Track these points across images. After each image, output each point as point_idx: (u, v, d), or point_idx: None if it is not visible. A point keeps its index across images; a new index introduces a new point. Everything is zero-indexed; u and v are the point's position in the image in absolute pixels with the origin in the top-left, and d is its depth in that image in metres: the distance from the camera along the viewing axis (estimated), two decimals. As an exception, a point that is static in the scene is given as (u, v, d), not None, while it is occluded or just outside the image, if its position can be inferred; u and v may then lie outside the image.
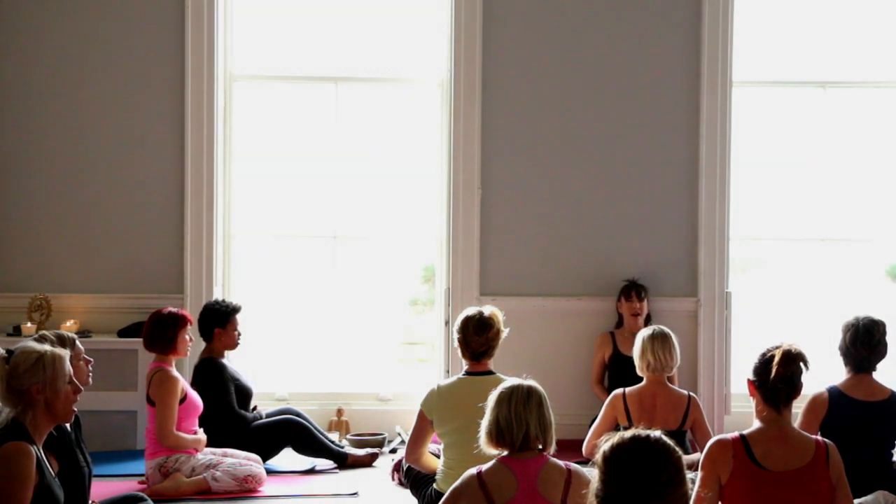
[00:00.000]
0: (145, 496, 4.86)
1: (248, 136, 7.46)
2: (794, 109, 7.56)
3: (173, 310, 5.97)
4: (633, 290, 6.99)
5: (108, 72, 7.10)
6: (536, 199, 7.20)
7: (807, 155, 7.54)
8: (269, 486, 5.82)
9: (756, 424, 3.76)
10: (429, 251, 7.59)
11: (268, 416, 6.44)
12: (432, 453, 5.03)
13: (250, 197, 7.50)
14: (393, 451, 6.75)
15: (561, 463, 3.71)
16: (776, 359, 3.74)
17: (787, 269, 7.68)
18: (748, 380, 3.83)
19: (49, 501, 3.77)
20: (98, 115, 7.10)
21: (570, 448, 5.12)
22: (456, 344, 4.96)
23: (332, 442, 6.51)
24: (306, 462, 6.33)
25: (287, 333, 7.57)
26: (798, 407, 4.46)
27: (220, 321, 6.34)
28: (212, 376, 6.24)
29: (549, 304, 7.15)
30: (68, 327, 6.62)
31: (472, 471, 3.68)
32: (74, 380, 3.90)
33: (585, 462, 4.42)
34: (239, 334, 6.41)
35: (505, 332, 4.95)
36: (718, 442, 3.71)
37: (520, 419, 3.67)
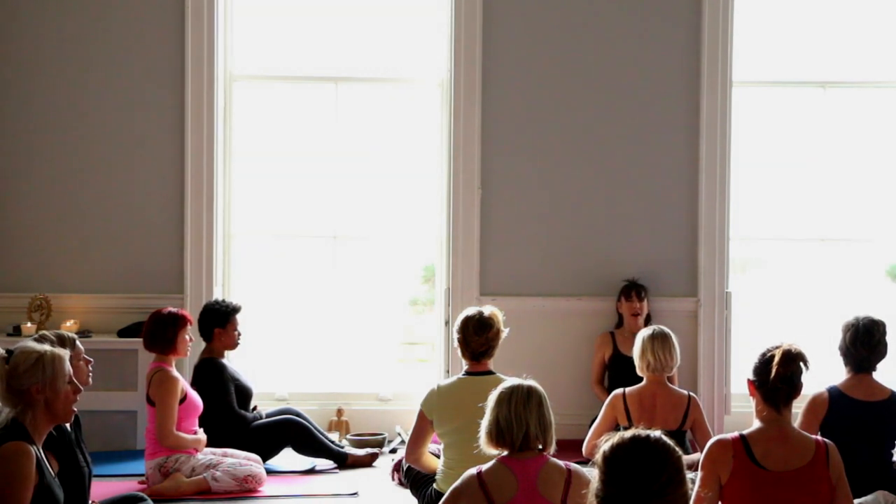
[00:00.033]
0: (145, 496, 4.86)
1: (248, 136, 7.46)
2: (794, 109, 7.56)
3: (173, 310, 5.97)
4: (633, 290, 6.99)
5: (108, 72, 7.10)
6: (536, 199, 7.20)
7: (807, 155, 7.54)
8: (269, 486, 5.82)
9: (756, 424, 3.76)
10: (429, 251, 7.59)
11: (268, 416, 6.44)
12: (432, 453, 5.03)
13: (250, 197, 7.50)
14: (393, 451, 6.75)
15: (561, 463, 3.71)
16: (776, 359, 3.74)
17: (787, 269, 7.68)
18: (748, 380, 3.83)
19: (49, 501, 3.77)
20: (98, 115, 7.10)
21: (570, 448, 5.12)
22: (456, 344, 4.96)
23: (332, 442, 6.51)
24: (306, 462, 6.33)
25: (287, 333, 7.57)
26: (798, 407, 4.46)
27: (220, 321, 6.34)
28: (212, 376, 6.24)
29: (549, 304, 7.15)
30: (68, 327, 6.62)
31: (472, 471, 3.68)
32: (74, 380, 3.90)
33: (585, 462, 4.42)
34: (239, 334, 6.41)
35: (505, 332, 4.95)
36: (718, 442, 3.71)
37: (520, 419, 3.67)
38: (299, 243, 7.68)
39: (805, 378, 3.81)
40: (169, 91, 7.09)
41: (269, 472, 6.04)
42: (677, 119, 7.22)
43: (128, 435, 6.78)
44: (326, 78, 7.44)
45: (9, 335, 6.64)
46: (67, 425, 4.26)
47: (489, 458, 3.73)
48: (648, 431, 2.65)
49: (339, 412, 7.14)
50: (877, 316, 5.12)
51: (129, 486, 5.68)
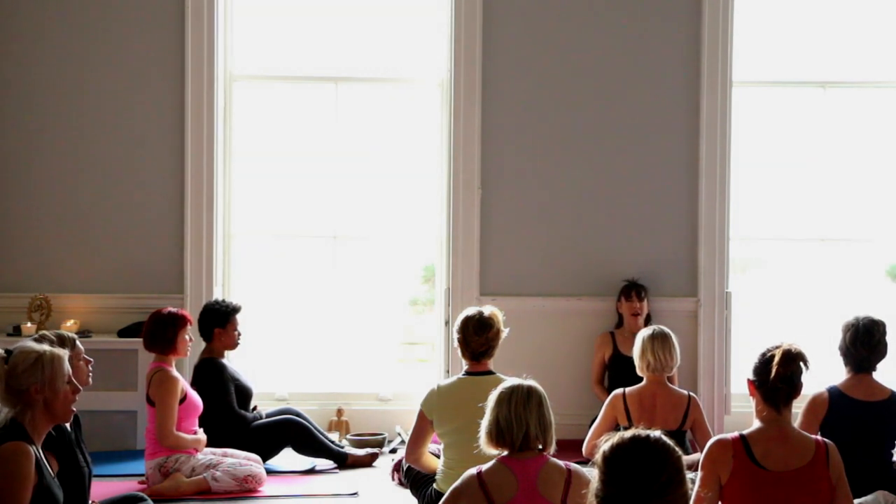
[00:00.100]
0: (145, 496, 4.86)
1: (248, 136, 7.46)
2: (794, 109, 7.56)
3: (173, 310, 5.97)
4: (633, 290, 6.99)
5: (108, 72, 7.10)
6: (536, 199, 7.20)
7: (807, 155, 7.54)
8: (269, 486, 5.82)
9: (756, 424, 3.76)
10: (429, 251, 7.59)
11: (268, 416, 6.44)
12: (432, 453, 5.03)
13: (250, 197, 7.50)
14: (393, 451, 6.75)
15: (561, 463, 3.71)
16: (776, 359, 3.74)
17: (787, 269, 7.68)
18: (748, 380, 3.83)
19: (48, 501, 3.77)
20: (98, 115, 7.10)
21: (570, 448, 5.12)
22: (456, 344, 4.96)
23: (332, 442, 6.51)
24: (306, 462, 6.33)
25: (287, 333, 7.57)
26: (798, 407, 4.46)
27: (220, 321, 6.34)
28: (212, 376, 6.24)
29: (549, 304, 7.15)
30: (68, 327, 6.62)
31: (472, 471, 3.68)
32: (73, 380, 3.89)
33: (585, 462, 4.42)
34: (239, 334, 6.41)
35: (505, 332, 4.95)
36: (718, 442, 3.71)
37: (520, 419, 3.67)
38: (299, 243, 7.68)
39: (805, 378, 3.81)
40: (169, 91, 7.09)
41: (269, 472, 6.04)
42: (677, 119, 7.22)
43: (128, 435, 6.78)
44: (326, 78, 7.44)
45: (9, 335, 6.64)
46: (67, 425, 4.26)
47: (489, 458, 3.73)
48: (648, 431, 2.65)
49: (339, 412, 7.14)
50: (877, 316, 5.12)
51: (129, 486, 5.68)
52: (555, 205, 7.20)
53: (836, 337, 5.11)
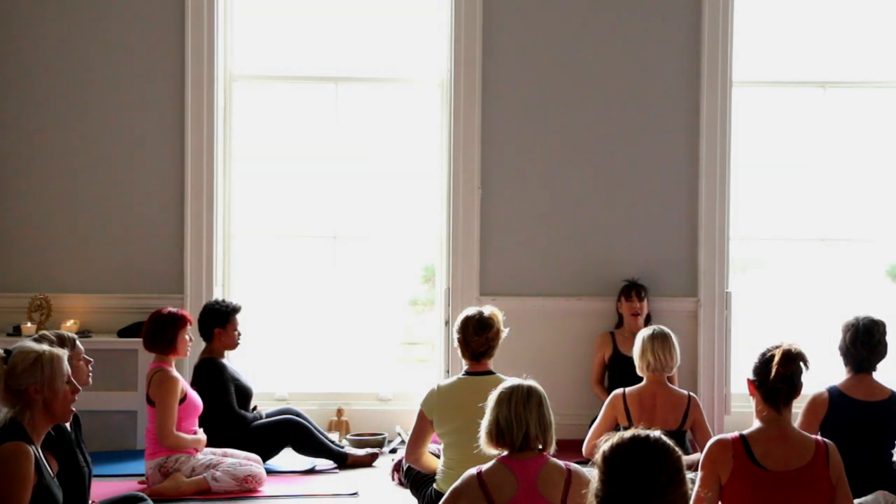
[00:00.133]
0: (145, 496, 4.86)
1: (248, 136, 7.45)
2: (794, 109, 7.56)
3: (173, 310, 5.97)
4: (633, 290, 6.99)
5: (108, 72, 7.10)
6: (536, 199, 7.20)
7: (807, 155, 7.54)
8: (269, 486, 5.82)
9: (756, 424, 3.76)
10: (429, 251, 7.59)
11: (268, 416, 6.44)
12: (432, 453, 5.03)
13: (250, 197, 7.49)
14: (393, 451, 6.75)
15: (561, 463, 3.71)
16: (776, 358, 3.74)
17: (787, 269, 7.68)
18: (748, 379, 3.83)
19: (48, 501, 3.77)
20: (98, 115, 7.10)
21: (570, 448, 5.12)
22: (456, 344, 4.96)
23: (332, 442, 6.51)
24: (306, 462, 6.33)
25: (287, 333, 7.57)
26: (798, 407, 4.46)
27: (220, 321, 6.34)
28: (212, 376, 6.24)
29: (549, 304, 7.15)
30: (68, 327, 6.62)
31: (472, 471, 3.68)
32: (72, 379, 3.89)
33: (585, 462, 4.42)
34: (239, 334, 6.41)
35: (505, 332, 4.95)
36: (718, 442, 3.71)
37: (520, 419, 3.67)
38: (299, 243, 7.68)
39: (805, 378, 3.81)
40: (169, 91, 7.09)
41: (269, 472, 6.04)
42: (677, 119, 7.22)
43: (128, 435, 6.78)
44: (326, 78, 7.44)
45: (9, 335, 6.65)
46: (67, 425, 4.26)
47: (489, 458, 3.73)
48: (648, 431, 2.65)
49: (339, 412, 7.14)
50: (877, 316, 5.12)
51: (129, 486, 5.68)
52: (555, 205, 7.20)
53: (836, 337, 5.11)
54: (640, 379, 5.51)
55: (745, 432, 3.73)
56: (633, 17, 7.19)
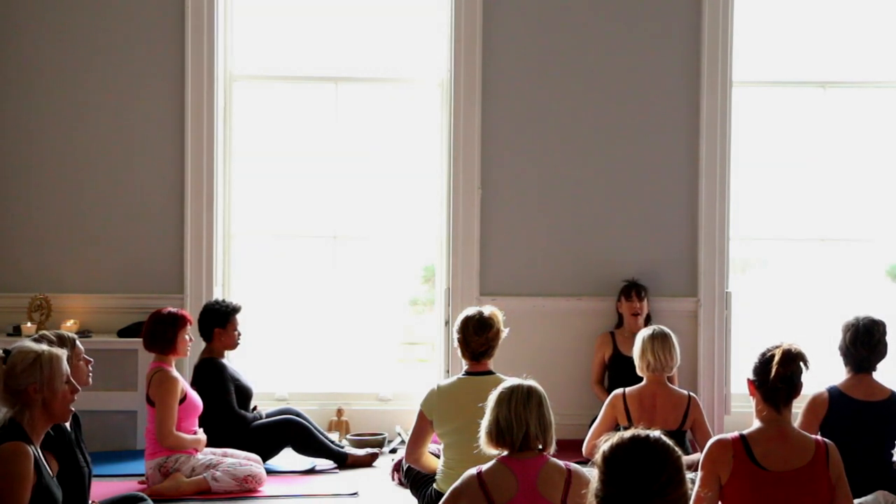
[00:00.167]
0: (145, 496, 4.86)
1: (248, 136, 7.46)
2: (794, 109, 7.56)
3: (173, 310, 5.97)
4: (633, 290, 6.99)
5: (108, 72, 7.10)
6: (536, 199, 7.20)
7: (807, 155, 7.54)
8: (269, 486, 5.82)
9: (756, 424, 3.75)
10: (429, 251, 7.59)
11: (268, 416, 6.44)
12: (432, 453, 5.03)
13: (250, 197, 7.50)
14: (393, 451, 6.75)
15: (561, 463, 3.71)
16: (776, 358, 3.74)
17: (787, 269, 7.68)
18: (748, 379, 3.83)
19: (48, 501, 3.77)
20: (98, 115, 7.10)
21: (570, 448, 5.12)
22: (456, 344, 4.96)
23: (332, 442, 6.51)
24: (306, 462, 6.33)
25: (287, 333, 7.57)
26: (798, 407, 4.46)
27: (220, 321, 6.34)
28: (212, 376, 6.24)
29: (549, 304, 7.15)
30: (68, 327, 6.62)
31: (472, 471, 3.68)
32: (71, 379, 3.89)
33: (585, 462, 4.42)
34: (239, 334, 6.41)
35: (505, 332, 4.94)
36: (718, 442, 3.71)
37: (520, 419, 3.67)
38: (299, 243, 7.68)
39: (805, 378, 3.81)
40: (169, 91, 7.09)
41: (269, 472, 6.04)
42: (677, 119, 7.22)
43: (128, 435, 6.78)
44: (326, 78, 7.44)
45: (9, 335, 6.64)
46: (67, 425, 4.26)
47: (489, 458, 3.73)
48: (648, 431, 2.65)
49: (339, 412, 7.14)
50: (877, 316, 5.12)
51: (129, 486, 5.68)
52: (555, 205, 7.20)
53: (836, 337, 5.11)
54: (640, 379, 5.51)
55: (745, 432, 3.72)
56: (634, 17, 7.19)
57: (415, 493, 5.13)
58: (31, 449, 3.71)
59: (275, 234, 7.60)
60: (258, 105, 7.51)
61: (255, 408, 6.48)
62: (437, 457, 4.98)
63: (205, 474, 5.69)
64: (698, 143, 7.17)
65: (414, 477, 5.11)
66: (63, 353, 3.89)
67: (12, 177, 7.09)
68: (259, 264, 7.61)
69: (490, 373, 4.86)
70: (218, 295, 6.98)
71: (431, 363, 7.54)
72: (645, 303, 6.98)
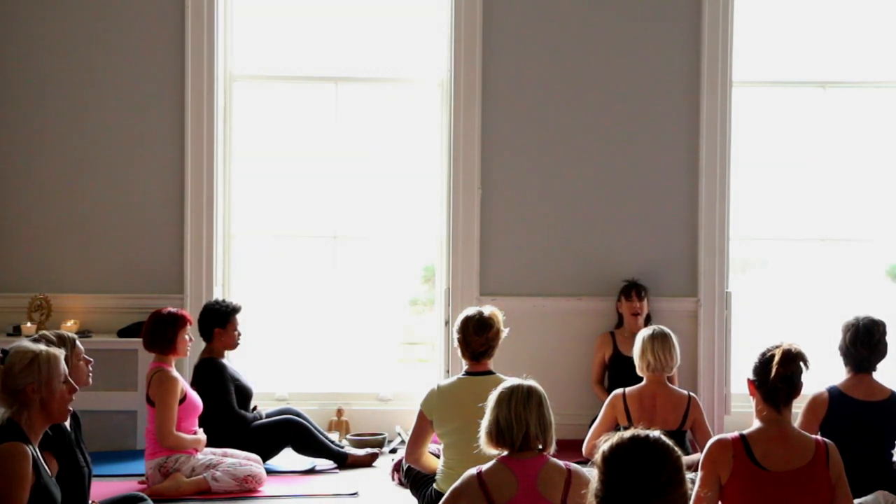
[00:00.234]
0: (145, 496, 4.86)
1: (248, 136, 7.46)
2: (794, 109, 7.56)
3: (173, 310, 5.97)
4: (633, 289, 6.99)
5: (107, 72, 7.10)
6: (536, 199, 7.20)
7: (807, 155, 7.54)
8: (269, 486, 5.82)
9: (756, 424, 3.75)
10: (429, 251, 7.59)
11: (268, 416, 6.44)
12: (432, 453, 5.03)
13: (250, 197, 7.50)
14: (393, 451, 6.75)
15: (561, 463, 3.71)
16: (776, 358, 3.74)
17: (787, 269, 7.68)
18: (748, 379, 3.83)
19: (46, 501, 3.77)
20: (98, 115, 7.10)
21: (570, 448, 5.12)
22: (456, 344, 4.96)
23: (332, 442, 6.51)
24: (306, 462, 6.33)
25: (287, 333, 7.57)
26: (798, 407, 4.46)
27: (220, 321, 6.34)
28: (212, 376, 6.24)
29: (549, 304, 7.15)
30: (68, 327, 6.62)
31: (472, 471, 3.68)
32: (70, 379, 3.89)
33: (585, 462, 4.42)
34: (239, 334, 6.40)
35: (505, 332, 4.94)
36: (718, 442, 3.71)
37: (520, 419, 3.67)
38: (299, 243, 7.68)
39: (805, 378, 3.81)
40: (169, 91, 7.09)
41: (269, 472, 6.04)
42: (677, 119, 7.22)
43: (128, 435, 6.78)
44: (326, 78, 7.44)
45: (9, 335, 6.64)
46: (67, 425, 4.26)
47: (489, 458, 3.73)
48: (648, 431, 2.65)
49: (339, 412, 7.13)
50: (877, 316, 5.12)
51: (129, 486, 5.68)
52: (555, 205, 7.20)
53: (836, 337, 5.11)
54: (640, 379, 5.50)
55: (745, 432, 3.73)
56: (633, 17, 7.19)
57: (415, 493, 5.13)
58: (29, 449, 3.71)
59: (275, 234, 7.60)
60: (258, 105, 7.51)
61: (255, 408, 6.48)
62: (437, 457, 4.98)
63: (205, 474, 5.69)
64: (698, 143, 7.17)
65: (414, 477, 5.11)
66: (61, 352, 3.89)
67: (12, 177, 7.09)
68: (259, 264, 7.61)
69: (490, 373, 4.86)
70: (218, 295, 6.98)
71: (431, 363, 7.54)
72: (645, 303, 6.98)
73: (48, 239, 7.09)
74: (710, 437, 4.67)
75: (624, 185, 7.21)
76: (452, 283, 7.14)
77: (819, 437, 3.82)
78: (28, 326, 6.68)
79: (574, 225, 7.20)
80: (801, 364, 3.77)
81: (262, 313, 7.46)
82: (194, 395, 5.93)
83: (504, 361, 5.25)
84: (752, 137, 7.45)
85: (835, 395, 4.99)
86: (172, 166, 7.11)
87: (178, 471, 5.70)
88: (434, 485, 4.79)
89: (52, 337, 4.40)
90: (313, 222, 7.56)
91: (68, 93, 7.09)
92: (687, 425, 5.43)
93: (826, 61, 7.49)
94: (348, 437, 6.87)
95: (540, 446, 3.71)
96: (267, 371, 7.34)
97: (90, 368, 4.69)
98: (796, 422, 4.62)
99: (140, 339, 6.08)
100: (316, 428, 6.44)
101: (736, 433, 3.73)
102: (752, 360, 3.83)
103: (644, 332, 5.53)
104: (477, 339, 4.85)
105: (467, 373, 4.89)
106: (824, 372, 4.83)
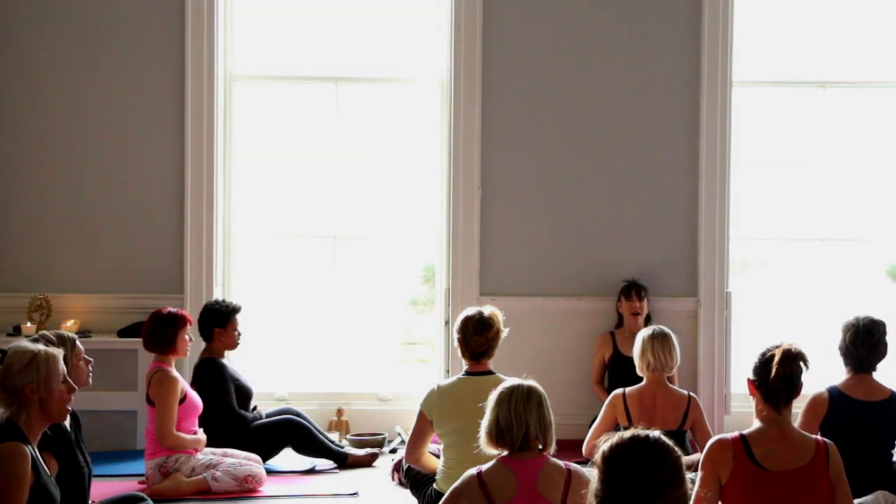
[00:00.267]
0: (145, 496, 4.86)
1: (248, 136, 7.46)
2: (794, 109, 7.56)
3: (173, 310, 5.97)
4: (633, 289, 6.99)
5: (108, 72, 7.10)
6: (536, 199, 7.20)
7: (807, 155, 7.54)
8: (269, 486, 5.82)
9: (756, 424, 3.75)
10: (429, 251, 7.59)
11: (268, 416, 6.44)
12: (432, 453, 5.03)
13: (250, 197, 7.50)
14: (393, 451, 6.75)
15: (561, 463, 3.71)
16: (776, 358, 3.74)
17: (787, 269, 7.68)
18: (748, 379, 3.83)
19: (46, 501, 3.77)
20: (98, 115, 7.11)
21: (570, 448, 5.12)
22: (456, 344, 4.96)
23: (332, 442, 6.51)
24: (306, 462, 6.33)
25: (287, 333, 7.57)
26: (798, 407, 4.46)
27: (220, 321, 6.34)
28: (212, 376, 6.24)
29: (549, 304, 7.15)
30: (68, 327, 6.62)
31: (472, 471, 3.68)
32: (68, 379, 3.89)
33: (585, 462, 4.42)
34: (239, 334, 6.40)
35: (505, 332, 4.94)
36: (718, 442, 3.71)
37: (520, 419, 3.67)
38: (299, 243, 7.68)
39: (805, 378, 3.81)
40: (169, 91, 7.09)
41: (269, 472, 6.04)
42: (677, 119, 7.22)
43: (128, 435, 6.78)
44: (326, 78, 7.44)
45: (9, 335, 6.64)
46: (67, 425, 4.26)
47: (489, 458, 3.73)
48: (648, 431, 2.65)
49: (339, 412, 7.13)
50: (877, 316, 5.12)
51: (129, 486, 5.68)
52: (555, 205, 7.20)
53: (836, 337, 5.11)
54: (640, 379, 5.50)
55: (745, 432, 3.72)
56: (633, 17, 7.19)
57: (415, 493, 5.13)
58: (28, 449, 3.71)
59: (275, 234, 7.60)
60: (258, 105, 7.51)
61: (255, 408, 6.48)
62: (437, 457, 4.98)
63: (205, 474, 5.69)
64: (698, 143, 7.17)
65: (414, 477, 5.11)
66: (59, 352, 3.89)
67: (12, 177, 7.09)
68: (259, 264, 7.61)
69: (490, 373, 4.86)
70: (218, 295, 6.98)
71: (431, 363, 7.54)
72: (645, 303, 6.98)
73: (48, 239, 7.09)
74: (710, 437, 4.66)
75: (624, 186, 7.21)
76: (452, 283, 7.14)
77: (819, 437, 3.82)
78: (28, 326, 6.68)
79: (574, 225, 7.20)
80: (801, 364, 3.77)
81: (262, 313, 7.46)
82: (194, 395, 5.93)
83: (504, 361, 5.25)
84: (752, 137, 7.45)
85: (835, 395, 4.99)
86: (173, 166, 7.11)
87: (178, 471, 5.70)
88: (434, 485, 4.79)
89: (51, 337, 4.40)
90: (313, 222, 7.56)
91: (69, 93, 7.09)
92: (687, 425, 5.43)
93: (826, 61, 7.49)
94: (348, 437, 6.87)
95: (540, 446, 3.71)
96: (267, 371, 7.34)
97: (90, 368, 4.69)
98: (796, 422, 4.62)
99: (140, 339, 6.08)
100: (316, 428, 6.44)
101: (736, 433, 3.73)
102: (752, 360, 3.83)
103: (644, 332, 5.53)
104: (477, 339, 4.85)
105: (467, 373, 4.89)
106: (824, 372, 4.83)
